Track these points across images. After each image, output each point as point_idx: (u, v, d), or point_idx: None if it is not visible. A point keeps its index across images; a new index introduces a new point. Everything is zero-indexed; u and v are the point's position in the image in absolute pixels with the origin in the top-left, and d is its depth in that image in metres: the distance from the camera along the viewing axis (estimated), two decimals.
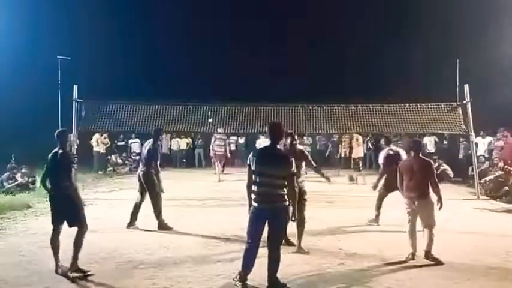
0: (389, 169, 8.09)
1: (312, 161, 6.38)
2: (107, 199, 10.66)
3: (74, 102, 11.24)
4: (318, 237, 6.96)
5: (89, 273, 5.09)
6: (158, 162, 7.48)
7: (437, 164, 14.52)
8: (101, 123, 11.90)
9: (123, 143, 18.49)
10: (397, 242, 6.67)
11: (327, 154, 18.04)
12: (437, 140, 16.38)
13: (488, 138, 14.31)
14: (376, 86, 21.14)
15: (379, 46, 23.11)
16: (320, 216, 8.27)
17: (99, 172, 15.78)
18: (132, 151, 17.98)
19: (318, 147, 19.65)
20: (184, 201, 10.27)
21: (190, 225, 7.72)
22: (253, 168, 4.69)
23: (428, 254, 5.71)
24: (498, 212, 9.41)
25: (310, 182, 6.87)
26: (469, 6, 18.09)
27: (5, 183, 10.89)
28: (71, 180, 5.17)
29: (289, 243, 6.13)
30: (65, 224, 5.25)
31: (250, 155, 4.82)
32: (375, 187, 8.12)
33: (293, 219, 4.74)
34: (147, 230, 7.30)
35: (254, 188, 4.69)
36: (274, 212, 4.62)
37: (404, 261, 5.73)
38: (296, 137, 6.28)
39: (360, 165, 14.09)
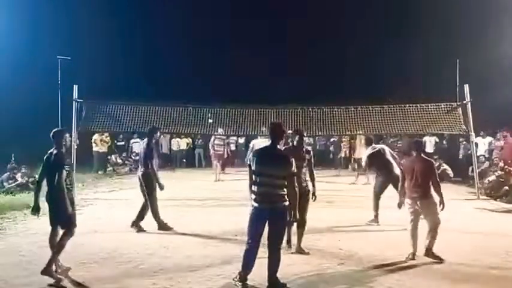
0: (378, 166, 8.21)
1: (312, 167, 6.21)
2: (107, 199, 10.67)
3: (74, 102, 11.24)
4: (318, 237, 6.95)
5: (62, 283, 4.97)
6: (154, 161, 7.38)
7: (437, 164, 14.54)
8: (101, 123, 11.88)
9: (122, 143, 18.48)
10: (397, 242, 6.67)
11: (331, 155, 18.06)
12: (437, 140, 16.39)
13: (489, 138, 14.32)
14: (376, 86, 21.14)
15: (379, 46, 23.10)
16: (320, 216, 8.27)
17: (99, 172, 15.78)
18: (132, 151, 17.98)
19: (317, 147, 19.68)
20: (184, 201, 10.28)
21: (190, 225, 7.72)
22: (253, 168, 4.70)
23: (429, 252, 5.73)
24: (498, 212, 9.41)
25: (310, 181, 6.85)
26: (469, 6, 18.09)
27: (5, 183, 10.90)
28: (62, 182, 5.02)
29: (289, 244, 6.10)
30: None
31: (251, 155, 4.83)
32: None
33: (293, 219, 4.74)
34: (147, 231, 7.29)
35: (254, 188, 4.70)
36: (274, 212, 4.62)
37: (404, 261, 5.73)
38: (305, 135, 6.21)
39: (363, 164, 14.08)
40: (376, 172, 8.48)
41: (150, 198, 7.35)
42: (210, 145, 14.52)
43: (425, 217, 5.84)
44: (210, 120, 12.86)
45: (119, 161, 17.47)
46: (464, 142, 14.50)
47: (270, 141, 4.83)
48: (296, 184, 4.74)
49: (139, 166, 7.64)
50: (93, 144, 16.13)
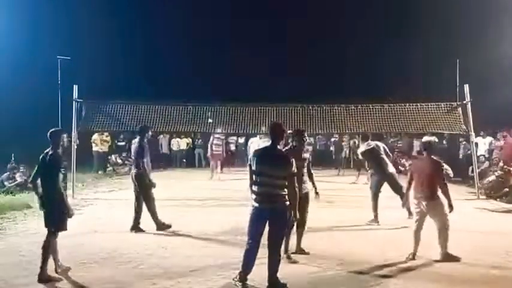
0: (371, 164, 8.21)
1: (310, 166, 6.13)
2: (107, 199, 10.67)
3: (74, 102, 11.23)
4: (318, 237, 6.95)
5: (60, 280, 4.97)
6: (145, 160, 7.28)
7: None
8: (101, 123, 11.88)
9: (123, 143, 18.48)
10: (397, 242, 6.67)
11: (333, 156, 18.07)
12: (437, 140, 16.38)
13: (489, 138, 14.31)
14: (376, 86, 21.14)
15: (379, 46, 23.10)
16: (320, 216, 8.26)
17: (99, 172, 15.78)
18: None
19: (317, 147, 19.69)
20: (184, 201, 10.28)
21: (190, 225, 7.72)
22: (253, 168, 4.70)
23: (443, 256, 5.72)
24: (498, 212, 9.41)
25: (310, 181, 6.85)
26: (469, 6, 18.09)
27: (5, 183, 10.91)
28: (56, 184, 4.99)
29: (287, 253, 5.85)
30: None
31: (251, 155, 4.83)
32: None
33: (293, 219, 4.73)
34: (146, 231, 7.28)
35: (254, 188, 4.69)
36: (275, 212, 4.61)
37: (405, 262, 5.73)
38: (306, 136, 6.14)
39: (366, 164, 14.10)
40: (371, 170, 8.48)
41: (146, 198, 7.27)
42: (209, 145, 14.59)
43: (433, 218, 5.83)
44: (210, 120, 12.87)
45: (119, 161, 17.46)
46: (464, 142, 14.49)
47: (270, 141, 4.83)
48: (296, 184, 4.72)
49: (132, 166, 7.58)
50: (93, 144, 16.13)
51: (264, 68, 23.77)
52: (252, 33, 23.79)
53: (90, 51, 20.84)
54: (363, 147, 8.37)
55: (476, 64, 17.25)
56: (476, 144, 12.70)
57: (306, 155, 5.92)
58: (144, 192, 7.29)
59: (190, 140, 19.54)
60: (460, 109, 11.27)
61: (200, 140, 18.55)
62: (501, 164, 11.56)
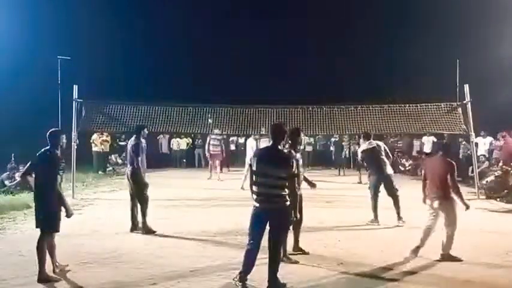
0: (370, 163, 8.17)
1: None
2: (107, 199, 10.67)
3: (74, 102, 11.23)
4: (318, 237, 6.96)
5: (60, 280, 4.97)
6: (140, 158, 7.17)
7: None
8: (101, 123, 11.89)
9: (124, 143, 18.49)
10: (398, 242, 6.68)
11: (333, 156, 18.08)
12: (435, 140, 16.40)
13: (489, 138, 14.32)
14: (376, 86, 21.14)
15: (379, 46, 23.11)
16: (320, 216, 8.28)
17: (100, 172, 15.79)
18: None
19: (317, 147, 19.72)
20: (184, 201, 10.29)
21: (190, 225, 7.72)
22: (254, 168, 4.70)
23: (444, 256, 5.74)
24: (498, 212, 9.41)
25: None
26: (469, 6, 18.09)
27: (6, 182, 10.92)
28: (54, 182, 4.97)
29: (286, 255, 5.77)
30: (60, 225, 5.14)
31: (252, 155, 4.83)
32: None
33: (294, 220, 4.73)
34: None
35: (255, 188, 4.69)
36: (275, 212, 4.61)
37: (407, 259, 5.72)
38: (302, 136, 6.04)
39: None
40: (369, 170, 8.44)
41: (139, 197, 7.18)
42: (206, 145, 14.71)
43: (444, 218, 5.84)
44: (210, 120, 12.88)
45: (119, 161, 17.47)
46: (464, 142, 14.49)
47: (272, 141, 4.82)
48: (297, 185, 4.71)
49: (128, 165, 7.46)
50: (93, 145, 16.14)
51: (264, 68, 23.79)
52: (252, 33, 23.78)
53: (90, 51, 20.84)
54: (364, 146, 8.34)
55: (476, 64, 17.25)
56: (476, 144, 12.70)
57: (298, 155, 5.84)
58: (138, 191, 7.19)
59: (191, 140, 19.55)
60: (460, 109, 11.26)
61: (200, 140, 18.57)
62: (501, 164, 11.57)
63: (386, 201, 7.95)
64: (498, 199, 10.51)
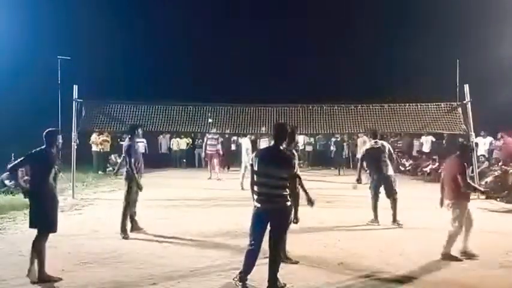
0: (371, 163, 8.11)
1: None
2: (107, 199, 10.66)
3: (74, 102, 11.22)
4: (318, 237, 6.95)
5: (60, 280, 4.95)
6: (133, 159, 7.06)
7: (437, 164, 14.55)
8: (101, 123, 11.88)
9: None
10: (397, 242, 6.68)
11: (332, 155, 18.07)
12: (433, 139, 16.41)
13: (489, 138, 14.32)
14: (376, 86, 21.15)
15: (379, 46, 23.12)
16: (320, 216, 8.27)
17: (99, 172, 15.78)
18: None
19: (317, 147, 19.72)
20: (184, 201, 10.29)
21: (190, 225, 7.72)
22: (255, 168, 4.68)
23: (444, 256, 5.77)
24: (498, 212, 9.41)
25: (310, 181, 6.86)
26: (469, 6, 18.10)
27: (6, 182, 10.90)
28: (48, 180, 4.94)
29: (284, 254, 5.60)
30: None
31: (253, 155, 4.82)
32: (357, 180, 8.31)
33: (295, 220, 4.72)
34: (146, 231, 7.29)
35: (256, 188, 4.68)
36: (276, 213, 4.60)
37: (405, 261, 5.72)
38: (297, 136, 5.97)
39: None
40: (369, 169, 8.39)
41: (125, 197, 7.09)
42: (203, 145, 14.81)
43: (451, 218, 5.87)
44: (210, 120, 12.88)
45: (119, 161, 17.42)
46: (464, 142, 14.48)
47: (273, 141, 4.82)
48: (298, 185, 4.70)
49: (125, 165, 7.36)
50: (93, 145, 16.13)
51: (264, 68, 23.80)
52: (252, 33, 23.80)
53: (90, 51, 20.86)
54: (368, 145, 8.28)
55: (476, 64, 17.26)
56: (476, 144, 12.71)
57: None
58: (125, 191, 7.10)
59: (191, 140, 19.56)
60: (460, 109, 11.26)
61: (200, 140, 18.59)
62: (500, 163, 11.57)
63: (387, 202, 7.94)
64: (498, 199, 10.50)
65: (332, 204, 9.94)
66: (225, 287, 4.83)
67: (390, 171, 7.98)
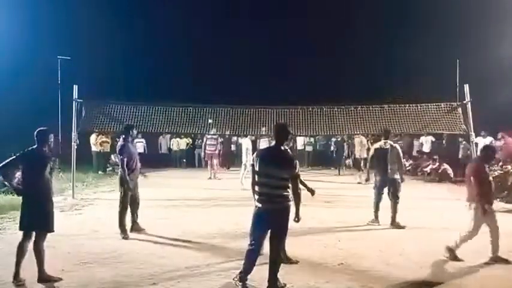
0: (377, 163, 8.04)
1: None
2: (107, 199, 10.66)
3: (74, 102, 11.22)
4: (318, 237, 6.96)
5: (60, 280, 4.96)
6: (125, 159, 6.98)
7: (437, 164, 14.56)
8: (101, 123, 11.88)
9: None
10: (397, 242, 6.68)
11: (334, 155, 18.07)
12: (433, 139, 16.41)
13: (489, 138, 14.31)
14: (376, 86, 21.15)
15: (379, 46, 23.12)
16: (320, 216, 8.29)
17: (99, 172, 15.78)
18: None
19: (317, 147, 19.73)
20: (184, 201, 10.29)
21: (190, 225, 7.72)
22: (256, 168, 4.68)
23: (450, 254, 5.79)
24: (498, 212, 9.35)
25: (310, 181, 6.85)
26: (469, 6, 18.10)
27: (5, 182, 10.89)
28: (41, 181, 4.93)
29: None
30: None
31: (254, 155, 4.82)
32: (366, 180, 8.26)
33: (296, 219, 4.72)
34: (147, 231, 7.29)
35: (257, 188, 4.68)
36: (277, 213, 4.60)
37: (405, 261, 5.72)
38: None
39: (362, 164, 14.10)
40: (375, 169, 8.33)
41: (121, 198, 7.09)
42: (203, 145, 14.87)
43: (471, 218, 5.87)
44: (210, 120, 12.88)
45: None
46: (464, 142, 14.50)
47: (274, 141, 4.81)
48: (300, 186, 4.69)
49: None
50: (92, 145, 16.13)
51: (264, 68, 23.80)
52: (252, 33, 23.80)
53: (90, 51, 20.86)
54: (378, 144, 8.17)
55: (476, 64, 17.26)
56: (476, 144, 12.69)
57: None
58: (122, 192, 7.09)
59: (191, 140, 19.56)
60: (460, 109, 11.25)
61: (200, 140, 18.59)
62: (500, 163, 11.56)
63: (387, 202, 7.94)
64: (498, 199, 10.49)
65: (332, 204, 9.95)
66: (225, 287, 4.84)
67: (396, 174, 7.81)
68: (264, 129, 12.36)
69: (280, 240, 4.72)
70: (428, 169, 14.97)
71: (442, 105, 11.55)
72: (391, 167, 7.77)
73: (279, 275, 4.69)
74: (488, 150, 6.32)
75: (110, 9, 21.80)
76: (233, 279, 4.80)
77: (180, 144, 19.32)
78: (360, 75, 22.95)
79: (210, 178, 14.58)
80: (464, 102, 11.11)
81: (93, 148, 16.17)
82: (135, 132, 7.61)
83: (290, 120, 11.80)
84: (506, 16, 17.01)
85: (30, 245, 5.03)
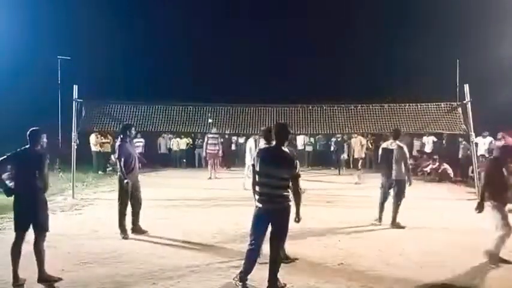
0: (382, 164, 8.01)
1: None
2: (107, 199, 10.65)
3: (74, 102, 11.22)
4: (318, 237, 6.96)
5: (60, 280, 4.97)
6: (123, 159, 6.95)
7: (437, 164, 14.56)
8: (101, 123, 11.88)
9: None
10: (397, 242, 6.68)
11: (333, 156, 18.06)
12: (435, 139, 16.41)
13: (489, 138, 14.33)
14: (376, 86, 21.16)
15: (379, 46, 23.13)
16: (320, 216, 8.29)
17: (99, 172, 15.78)
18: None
19: (317, 147, 19.73)
20: (184, 201, 10.29)
21: (190, 225, 7.72)
22: (256, 168, 4.68)
23: (488, 255, 5.74)
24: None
25: (310, 181, 6.87)
26: (469, 6, 18.11)
27: (6, 182, 10.90)
28: (34, 181, 4.92)
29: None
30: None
31: (255, 155, 4.81)
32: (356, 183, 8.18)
33: (297, 219, 4.72)
34: (147, 231, 7.28)
35: (257, 188, 4.68)
36: (277, 213, 4.60)
37: (404, 261, 5.72)
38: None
39: (359, 164, 14.08)
40: (382, 169, 8.28)
41: (118, 199, 7.08)
42: (204, 145, 14.85)
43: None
44: (210, 120, 12.88)
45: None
46: (464, 142, 14.50)
47: (275, 141, 4.81)
48: (300, 186, 4.68)
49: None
50: (92, 145, 16.13)
51: (264, 68, 23.80)
52: (252, 33, 23.81)
53: (90, 51, 20.87)
54: (384, 144, 8.11)
55: (476, 64, 17.26)
56: (476, 144, 12.71)
57: None
58: (118, 193, 7.09)
59: (191, 140, 19.56)
60: (460, 109, 11.26)
61: (200, 140, 18.59)
62: None
63: (389, 202, 7.93)
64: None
65: (332, 204, 9.95)
66: (225, 287, 4.84)
67: (400, 175, 7.69)
68: (264, 128, 12.32)
69: (280, 240, 4.72)
70: (428, 169, 14.97)
71: (442, 105, 11.55)
72: (395, 168, 7.70)
73: (279, 275, 4.69)
74: (506, 150, 6.26)
75: (110, 9, 21.81)
76: (233, 279, 4.80)
77: (180, 144, 19.32)
78: (360, 75, 22.94)
79: (210, 178, 14.58)
80: (464, 102, 11.12)
81: (93, 148, 16.16)
82: (133, 131, 7.53)
83: (290, 119, 11.80)
84: (506, 16, 17.02)
85: (28, 246, 5.02)
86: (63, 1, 21.92)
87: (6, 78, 17.85)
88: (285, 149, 4.77)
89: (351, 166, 16.79)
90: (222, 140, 16.26)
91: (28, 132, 5.09)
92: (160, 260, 5.78)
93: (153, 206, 8.98)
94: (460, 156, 15.18)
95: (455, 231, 7.39)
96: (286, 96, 16.48)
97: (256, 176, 4.69)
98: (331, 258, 5.88)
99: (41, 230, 5.00)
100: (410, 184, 7.75)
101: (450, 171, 14.32)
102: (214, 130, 13.16)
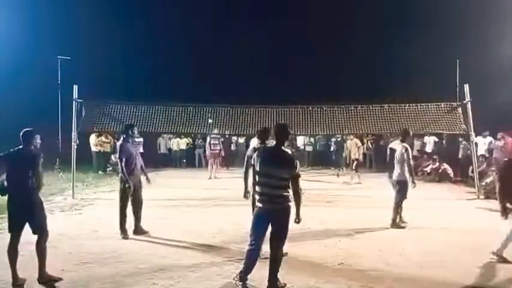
0: (389, 163, 8.03)
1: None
2: (108, 199, 10.66)
3: (74, 102, 11.22)
4: (318, 237, 6.96)
5: (60, 280, 4.97)
6: (124, 159, 6.90)
7: (437, 164, 14.56)
8: (101, 124, 11.88)
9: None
10: (397, 242, 6.68)
11: (333, 156, 18.03)
12: (436, 140, 16.41)
13: (489, 138, 14.33)
14: (376, 86, 21.16)
15: (379, 46, 23.14)
16: (320, 216, 8.28)
17: (99, 172, 15.78)
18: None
19: (317, 147, 19.72)
20: (184, 201, 10.29)
21: (191, 225, 7.73)
22: (256, 168, 4.68)
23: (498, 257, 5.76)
24: (498, 212, 9.37)
25: (310, 181, 6.87)
26: (469, 6, 18.11)
27: (5, 182, 10.89)
28: (28, 181, 4.86)
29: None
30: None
31: (255, 155, 4.81)
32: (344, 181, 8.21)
33: (297, 220, 4.72)
34: (148, 231, 7.29)
35: (257, 188, 4.68)
36: (277, 213, 4.60)
37: (404, 261, 5.73)
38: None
39: (354, 165, 13.96)
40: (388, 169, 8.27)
41: (120, 198, 7.04)
42: (207, 145, 14.89)
43: None
44: (210, 120, 12.89)
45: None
46: (464, 142, 14.50)
47: (275, 142, 4.81)
48: (300, 186, 4.68)
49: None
50: (92, 145, 16.12)
51: (264, 68, 23.82)
52: (252, 33, 23.82)
53: (90, 51, 20.88)
54: (391, 145, 8.17)
55: (476, 64, 17.26)
56: (476, 144, 12.71)
57: None
58: (119, 193, 7.08)
59: (191, 140, 19.56)
60: (460, 109, 11.26)
61: (201, 140, 18.59)
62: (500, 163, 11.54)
63: (388, 202, 7.94)
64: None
65: (332, 204, 9.95)
66: (225, 287, 4.84)
67: (400, 176, 7.64)
68: (261, 128, 12.32)
69: (280, 240, 4.72)
70: (428, 169, 14.97)
71: (442, 105, 11.56)
72: (398, 169, 7.68)
73: (279, 275, 4.69)
74: None
75: (110, 9, 21.82)
76: (233, 279, 4.80)
77: (180, 144, 19.32)
78: (360, 75, 22.95)
79: (210, 178, 14.60)
80: (464, 102, 11.12)
81: (93, 148, 16.16)
82: (136, 131, 7.53)
83: (290, 120, 11.81)
84: (506, 16, 17.01)
85: (29, 246, 5.02)
86: (63, 1, 21.96)
87: (6, 78, 17.87)
88: (285, 149, 4.77)
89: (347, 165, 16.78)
90: (222, 139, 16.29)
91: (21, 133, 5.07)
92: (161, 260, 5.78)
93: (153, 206, 8.97)
94: (460, 156, 15.18)
95: (455, 231, 7.38)
96: (286, 96, 16.51)
97: (256, 176, 4.69)
98: (331, 258, 5.88)
99: (40, 230, 4.99)
100: (414, 186, 7.64)
101: (450, 171, 14.31)
102: (216, 131, 13.17)
